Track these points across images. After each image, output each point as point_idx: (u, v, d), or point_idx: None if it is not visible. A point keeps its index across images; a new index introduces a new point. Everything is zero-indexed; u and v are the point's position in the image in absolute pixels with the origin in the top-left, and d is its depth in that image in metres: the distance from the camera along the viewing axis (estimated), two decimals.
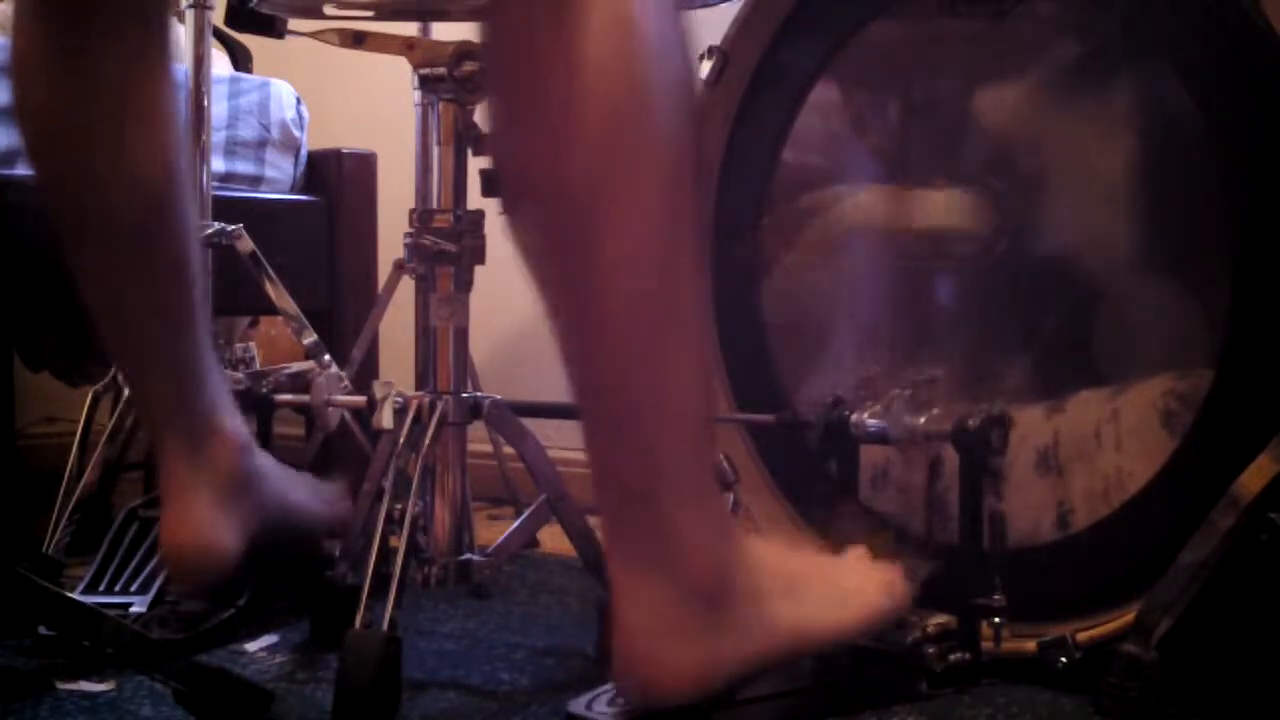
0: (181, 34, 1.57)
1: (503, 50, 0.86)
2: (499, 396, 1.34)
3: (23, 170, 1.58)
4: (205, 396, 1.16)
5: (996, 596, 1.18)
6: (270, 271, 1.59)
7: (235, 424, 1.19)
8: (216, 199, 1.62)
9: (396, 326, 1.75)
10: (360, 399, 1.42)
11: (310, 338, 1.62)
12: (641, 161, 0.84)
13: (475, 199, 1.28)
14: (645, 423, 0.88)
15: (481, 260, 1.31)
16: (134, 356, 1.17)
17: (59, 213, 1.09)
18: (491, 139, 0.88)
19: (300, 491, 1.33)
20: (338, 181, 1.99)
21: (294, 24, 1.49)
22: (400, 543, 1.20)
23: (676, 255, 0.87)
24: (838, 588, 1.04)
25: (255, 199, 1.89)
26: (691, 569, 0.91)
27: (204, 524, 1.13)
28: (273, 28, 1.48)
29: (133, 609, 1.32)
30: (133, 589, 1.36)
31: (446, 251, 1.28)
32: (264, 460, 1.24)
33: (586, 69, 0.82)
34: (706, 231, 1.48)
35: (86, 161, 1.07)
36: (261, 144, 1.93)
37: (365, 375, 1.64)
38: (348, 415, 1.58)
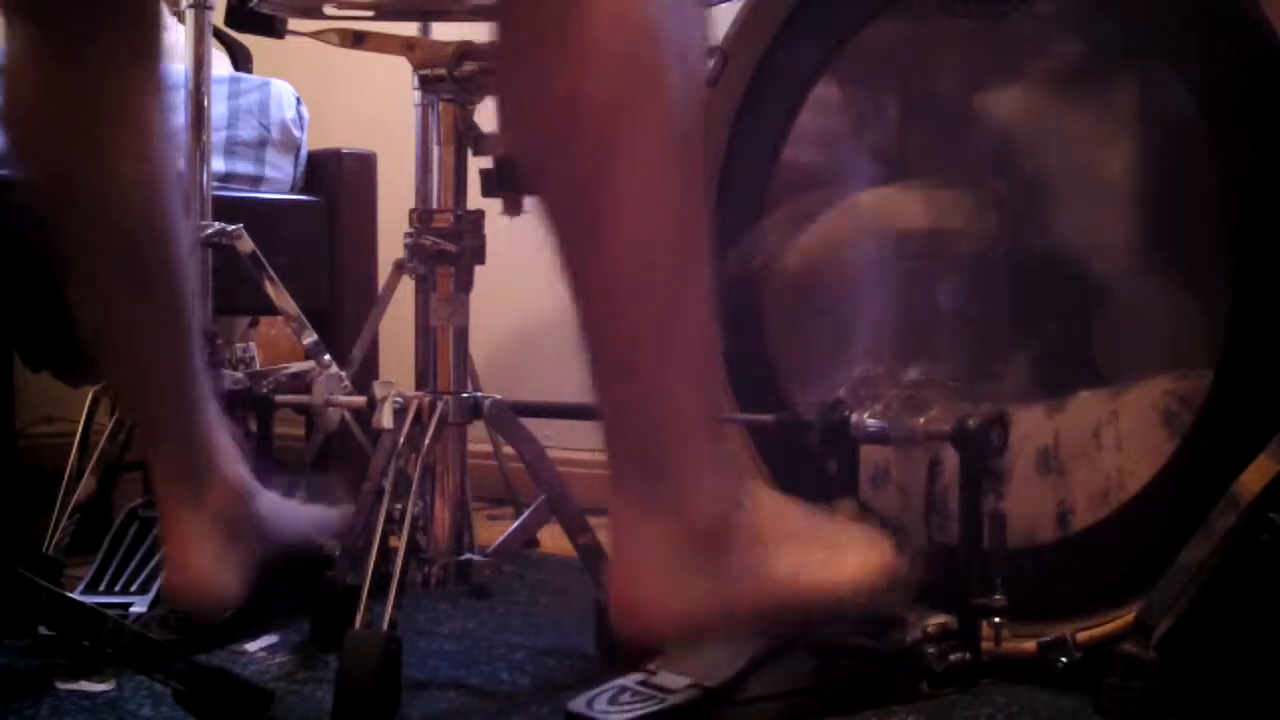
0: (181, 34, 1.57)
1: (514, 33, 0.87)
2: (499, 396, 1.34)
3: None
4: (203, 437, 1.13)
5: (996, 596, 1.18)
6: (270, 271, 1.59)
7: (237, 466, 1.17)
8: (216, 199, 1.62)
9: (396, 326, 1.75)
10: (360, 399, 1.42)
11: (310, 338, 1.62)
12: (652, 110, 0.85)
13: (475, 199, 1.28)
14: (650, 363, 0.89)
15: (481, 260, 1.31)
16: (129, 389, 1.15)
17: (46, 217, 1.08)
18: (502, 126, 0.89)
19: (301, 524, 1.31)
20: (338, 181, 1.99)
21: (294, 24, 1.49)
22: (400, 543, 1.20)
23: (688, 206, 0.89)
24: (834, 544, 1.04)
25: (255, 199, 1.89)
26: (691, 510, 0.92)
27: (207, 568, 1.12)
28: (273, 28, 1.48)
29: (133, 609, 1.32)
30: (133, 589, 1.36)
31: (446, 251, 1.28)
32: (264, 498, 1.22)
33: (600, 27, 0.83)
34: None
35: (73, 165, 1.06)
36: (261, 144, 1.93)
37: (365, 375, 1.64)
38: (348, 415, 1.58)
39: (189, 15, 1.57)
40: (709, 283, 0.92)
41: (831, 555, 1.03)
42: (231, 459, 1.16)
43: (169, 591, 1.17)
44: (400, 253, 1.34)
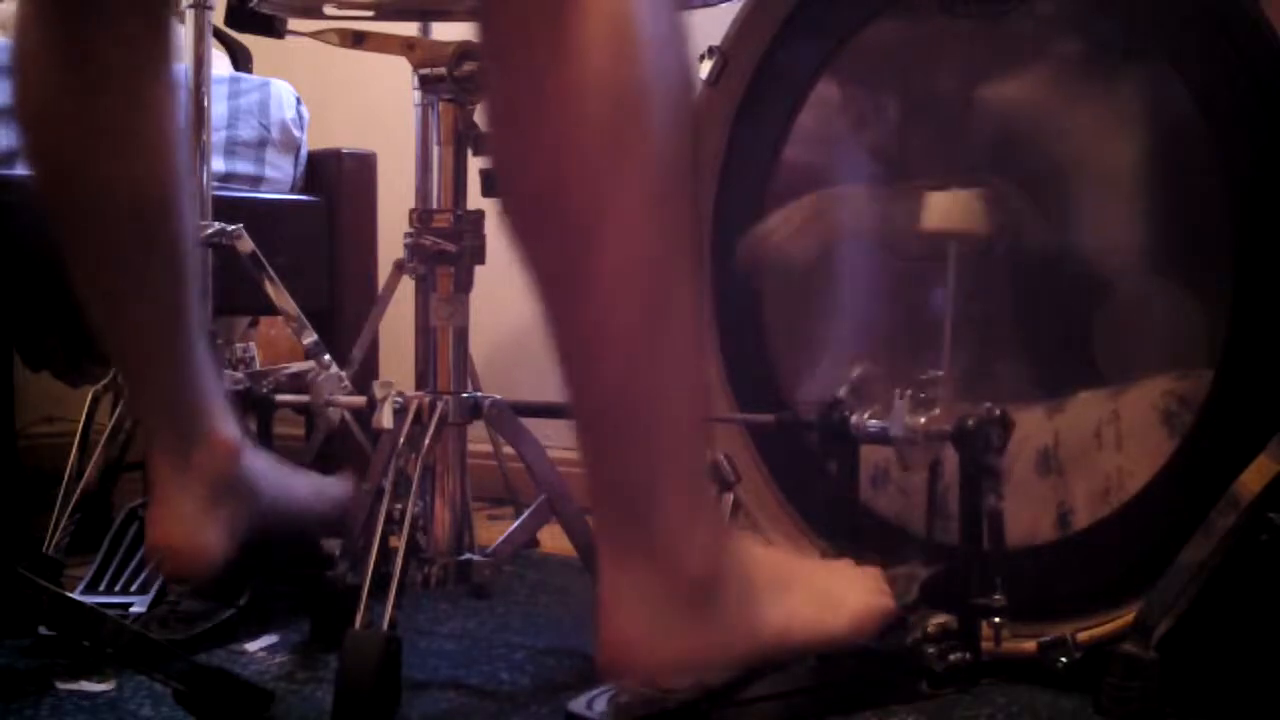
0: (181, 34, 1.57)
1: (499, 49, 0.86)
2: (499, 396, 1.34)
3: (23, 170, 1.58)
4: (198, 399, 1.15)
5: (996, 596, 1.18)
6: (270, 271, 1.59)
7: (229, 426, 1.18)
8: (216, 199, 1.62)
9: (396, 326, 1.75)
10: (360, 399, 1.42)
11: (310, 338, 1.61)
12: (638, 164, 0.84)
13: (475, 199, 1.28)
14: (639, 421, 0.88)
15: (481, 260, 1.31)
16: (129, 358, 1.16)
17: (56, 215, 1.08)
18: (488, 140, 0.88)
19: (300, 489, 1.32)
20: (338, 181, 1.99)
21: (294, 24, 1.49)
22: (400, 543, 1.20)
23: (673, 256, 0.87)
24: (825, 591, 1.05)
25: (255, 199, 1.89)
26: (680, 564, 0.91)
27: (189, 525, 1.13)
28: (273, 28, 1.48)
29: (133, 609, 1.32)
30: (133, 589, 1.36)
31: (446, 251, 1.28)
32: (261, 461, 1.24)
33: (583, 69, 0.82)
34: (705, 232, 1.48)
35: (86, 164, 1.07)
36: (261, 144, 1.93)
37: (365, 375, 1.64)
38: (348, 415, 1.58)
39: (189, 15, 1.57)
40: (699, 311, 0.91)
41: (823, 605, 1.03)
42: (223, 419, 1.17)
43: (150, 548, 1.17)
44: (400, 253, 1.34)
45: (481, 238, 1.30)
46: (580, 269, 0.85)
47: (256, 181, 1.93)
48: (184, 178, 1.13)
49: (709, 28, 1.48)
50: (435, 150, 1.33)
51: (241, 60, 2.08)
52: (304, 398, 1.51)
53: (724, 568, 0.94)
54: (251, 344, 1.65)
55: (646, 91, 0.84)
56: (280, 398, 1.51)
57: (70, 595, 1.18)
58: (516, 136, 0.86)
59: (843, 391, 1.29)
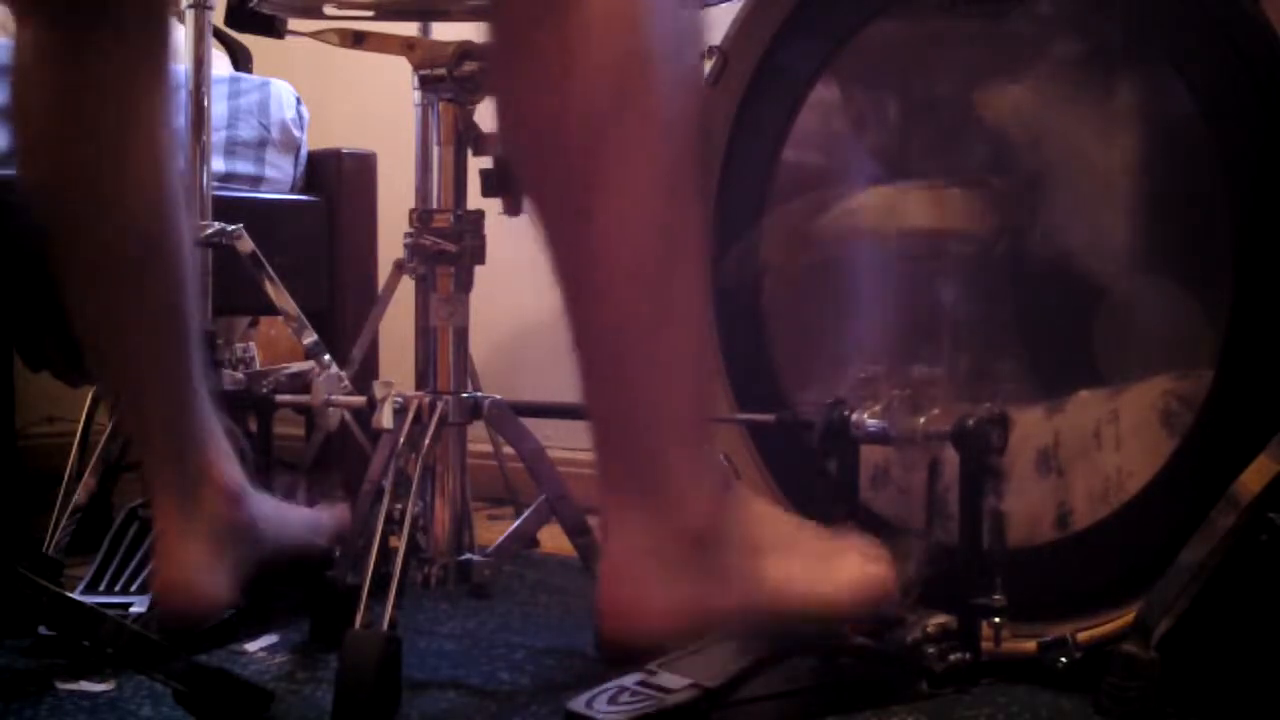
0: (181, 34, 1.57)
1: (507, 31, 0.87)
2: (499, 396, 1.34)
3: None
4: (199, 434, 1.13)
5: (996, 596, 1.18)
6: (270, 271, 1.59)
7: (231, 468, 1.16)
8: (216, 199, 1.62)
9: (396, 326, 1.75)
10: (360, 399, 1.42)
11: (310, 338, 1.61)
12: (643, 142, 0.85)
13: (475, 199, 1.28)
14: (640, 367, 0.90)
15: (481, 260, 1.31)
16: (126, 388, 1.14)
17: (50, 221, 1.07)
18: (497, 126, 0.89)
19: (296, 526, 1.30)
20: (338, 181, 1.99)
21: (294, 24, 1.49)
22: (400, 543, 1.20)
23: (676, 210, 0.89)
24: (826, 555, 1.04)
25: (255, 199, 1.89)
26: (682, 510, 0.91)
27: (196, 572, 1.11)
28: (273, 28, 1.48)
29: (133, 609, 1.32)
30: (133, 589, 1.36)
31: (446, 251, 1.28)
32: (260, 502, 1.22)
33: (592, 28, 0.83)
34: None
35: (80, 165, 1.06)
36: (261, 144, 1.93)
37: (365, 375, 1.64)
38: (348, 415, 1.58)
39: (189, 15, 1.57)
40: (702, 286, 0.92)
41: (824, 566, 1.03)
42: (226, 463, 1.15)
43: (157, 597, 1.16)
44: (400, 253, 1.34)
45: (481, 238, 1.30)
46: (586, 218, 0.86)
47: (256, 181, 1.93)
48: (178, 181, 1.12)
49: (709, 28, 1.48)
50: (435, 150, 1.32)
51: (241, 60, 2.08)
52: (304, 398, 1.51)
53: (725, 520, 0.95)
54: (251, 344, 1.65)
55: (652, 50, 0.85)
56: (280, 398, 1.51)
57: (70, 595, 1.18)
58: (522, 93, 0.86)
59: (843, 391, 1.30)
